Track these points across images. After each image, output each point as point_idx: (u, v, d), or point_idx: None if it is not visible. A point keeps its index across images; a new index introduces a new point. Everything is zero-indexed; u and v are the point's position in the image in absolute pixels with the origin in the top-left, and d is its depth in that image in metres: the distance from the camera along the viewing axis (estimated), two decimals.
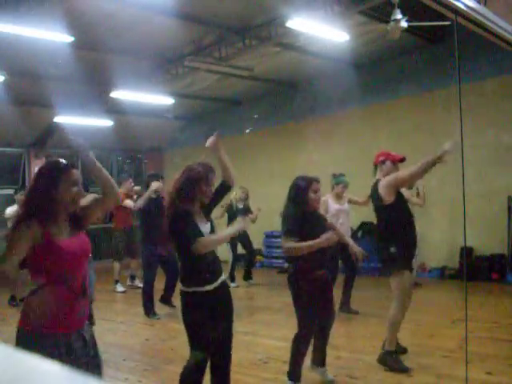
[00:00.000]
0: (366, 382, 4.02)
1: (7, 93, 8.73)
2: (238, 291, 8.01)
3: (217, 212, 7.03)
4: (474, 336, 4.61)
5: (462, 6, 2.87)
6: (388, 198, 4.19)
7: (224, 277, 3.20)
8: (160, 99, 10.05)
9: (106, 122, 10.97)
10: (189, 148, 13.10)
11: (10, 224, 7.43)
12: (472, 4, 2.95)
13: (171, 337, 5.63)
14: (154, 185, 6.56)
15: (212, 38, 7.95)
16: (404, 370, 4.12)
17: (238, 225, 3.21)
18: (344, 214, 6.44)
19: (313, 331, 3.81)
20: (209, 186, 3.24)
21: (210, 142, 3.47)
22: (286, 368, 4.27)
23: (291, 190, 3.90)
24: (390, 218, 4.25)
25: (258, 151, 11.50)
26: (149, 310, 6.63)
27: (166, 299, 6.80)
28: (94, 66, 8.48)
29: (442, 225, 8.46)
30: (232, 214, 8.16)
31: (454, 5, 2.83)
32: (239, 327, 5.56)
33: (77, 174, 2.37)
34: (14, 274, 2.16)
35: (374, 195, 4.33)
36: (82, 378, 0.57)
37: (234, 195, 8.41)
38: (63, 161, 2.39)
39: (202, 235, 3.03)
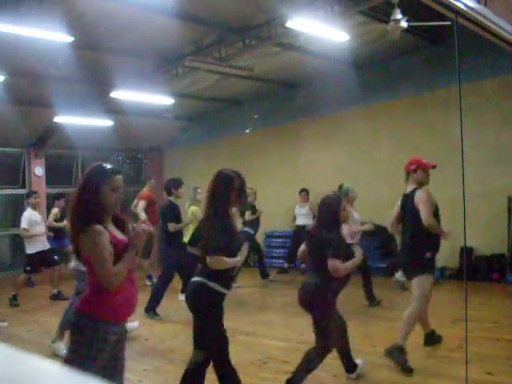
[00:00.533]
0: (366, 382, 4.02)
1: (7, 93, 8.73)
2: (238, 292, 8.01)
3: None
4: (473, 336, 4.61)
5: (462, 6, 2.87)
6: (427, 216, 4.41)
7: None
8: (160, 99, 10.05)
9: (106, 122, 10.96)
10: (189, 148, 13.13)
11: (23, 224, 7.54)
12: (472, 4, 2.95)
13: (171, 337, 5.63)
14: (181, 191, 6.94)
15: (212, 38, 7.95)
16: (407, 370, 4.14)
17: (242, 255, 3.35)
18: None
19: (331, 347, 3.89)
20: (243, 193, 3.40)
21: None
22: (286, 368, 4.28)
23: (324, 212, 3.98)
24: (426, 228, 4.44)
25: (258, 151, 11.50)
26: (151, 308, 6.64)
27: None
28: (94, 66, 8.48)
29: (442, 224, 8.45)
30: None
31: (454, 5, 2.83)
32: (239, 327, 5.58)
33: (120, 180, 2.53)
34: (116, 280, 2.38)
35: (408, 203, 4.52)
36: (82, 377, 0.57)
37: None
38: (107, 165, 2.57)
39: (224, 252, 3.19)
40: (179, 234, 6.86)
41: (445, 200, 8.17)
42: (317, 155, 10.51)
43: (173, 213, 6.78)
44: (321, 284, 3.72)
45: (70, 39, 6.68)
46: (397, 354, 4.25)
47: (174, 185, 6.91)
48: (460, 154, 3.29)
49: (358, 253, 3.82)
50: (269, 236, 11.10)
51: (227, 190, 3.27)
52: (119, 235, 2.51)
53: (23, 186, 11.72)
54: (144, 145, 13.48)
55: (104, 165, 2.55)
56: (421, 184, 4.57)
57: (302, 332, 5.47)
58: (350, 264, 3.70)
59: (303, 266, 9.94)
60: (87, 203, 2.41)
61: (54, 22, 6.19)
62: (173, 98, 10.14)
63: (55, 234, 8.35)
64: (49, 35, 6.45)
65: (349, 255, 3.73)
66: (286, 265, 9.91)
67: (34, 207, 7.86)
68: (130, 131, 11.83)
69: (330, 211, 3.87)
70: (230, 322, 6.00)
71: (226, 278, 3.29)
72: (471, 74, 7.79)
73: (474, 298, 6.05)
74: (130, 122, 11.41)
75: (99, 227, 2.37)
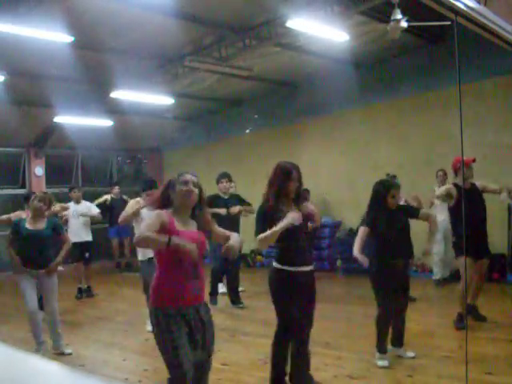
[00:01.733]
0: (366, 382, 4.02)
1: (7, 93, 8.73)
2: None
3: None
4: (473, 336, 4.62)
5: (462, 6, 2.86)
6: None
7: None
8: (160, 99, 10.05)
9: (106, 122, 10.96)
10: (189, 148, 13.13)
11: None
12: (472, 4, 2.95)
13: None
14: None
15: (212, 38, 7.95)
16: (460, 328, 4.94)
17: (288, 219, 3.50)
18: None
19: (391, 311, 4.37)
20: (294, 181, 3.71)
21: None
22: (287, 368, 4.27)
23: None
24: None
25: (257, 151, 11.49)
26: (213, 294, 7.00)
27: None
28: (94, 66, 8.48)
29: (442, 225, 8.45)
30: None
31: (454, 5, 2.83)
32: (239, 327, 5.58)
33: (189, 177, 2.91)
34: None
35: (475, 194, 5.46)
36: (82, 377, 0.57)
37: None
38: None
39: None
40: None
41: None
42: (317, 155, 10.51)
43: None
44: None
45: (70, 39, 6.69)
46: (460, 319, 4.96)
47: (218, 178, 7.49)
48: (460, 154, 3.29)
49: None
50: None
51: (286, 181, 3.68)
52: (187, 229, 2.86)
53: (23, 186, 11.72)
54: (144, 145, 13.48)
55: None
56: (465, 178, 5.34)
57: None
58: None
59: None
60: (164, 197, 2.97)
61: (54, 22, 6.19)
62: (173, 97, 10.14)
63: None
64: (49, 35, 6.45)
65: None
66: None
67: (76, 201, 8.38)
68: (130, 131, 11.84)
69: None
70: (230, 321, 6.01)
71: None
72: (471, 74, 7.79)
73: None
74: (130, 122, 11.41)
75: (159, 211, 2.86)
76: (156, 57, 8.67)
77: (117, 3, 6.40)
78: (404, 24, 5.51)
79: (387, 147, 9.46)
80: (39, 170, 11.80)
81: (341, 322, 5.93)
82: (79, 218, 8.17)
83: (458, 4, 2.83)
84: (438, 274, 7.96)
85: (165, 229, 2.75)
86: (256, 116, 11.47)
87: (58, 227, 5.15)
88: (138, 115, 11.14)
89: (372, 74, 9.62)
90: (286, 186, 3.65)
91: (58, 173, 12.32)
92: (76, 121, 10.52)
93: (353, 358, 4.57)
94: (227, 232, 3.09)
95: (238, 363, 4.51)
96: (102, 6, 6.45)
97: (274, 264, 3.67)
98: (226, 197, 7.38)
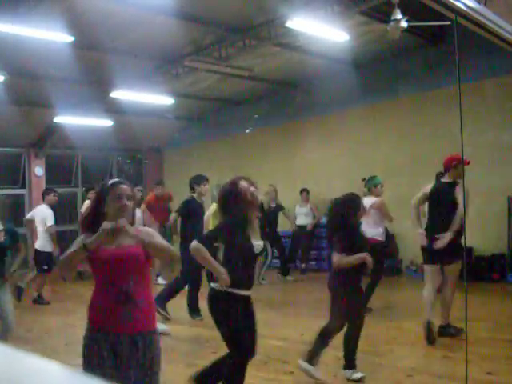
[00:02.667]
0: (366, 382, 4.02)
1: (7, 93, 8.73)
2: None
3: None
4: (474, 336, 4.61)
5: (462, 6, 2.86)
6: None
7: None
8: (160, 99, 10.05)
9: (106, 122, 10.97)
10: (189, 148, 13.12)
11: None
12: (472, 4, 2.95)
13: (171, 337, 5.63)
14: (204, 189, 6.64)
15: (212, 38, 7.95)
16: (431, 340, 4.69)
17: (222, 276, 3.19)
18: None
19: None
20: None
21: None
22: (286, 368, 4.28)
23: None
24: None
25: (257, 151, 11.50)
26: (192, 311, 6.41)
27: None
28: (94, 66, 8.48)
29: None
30: (264, 215, 8.01)
31: (454, 5, 2.83)
32: None
33: (122, 189, 2.56)
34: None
35: (449, 194, 4.90)
36: (81, 377, 0.57)
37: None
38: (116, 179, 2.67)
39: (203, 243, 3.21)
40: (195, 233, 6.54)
41: None
42: (317, 155, 10.51)
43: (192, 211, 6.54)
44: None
45: (70, 39, 6.68)
46: (448, 330, 4.80)
47: (196, 181, 6.73)
48: (460, 154, 3.29)
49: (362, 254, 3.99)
50: None
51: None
52: (116, 245, 2.49)
53: (23, 186, 11.72)
54: (144, 145, 13.48)
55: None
56: (456, 178, 4.92)
57: (302, 332, 5.46)
58: (350, 259, 3.97)
59: (303, 265, 9.96)
60: (92, 213, 2.64)
61: (54, 21, 6.19)
62: (173, 97, 10.14)
63: None
64: (49, 35, 6.45)
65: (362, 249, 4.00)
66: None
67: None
68: (130, 131, 11.83)
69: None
70: None
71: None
72: (471, 74, 7.79)
73: (473, 297, 6.04)
74: (130, 122, 11.41)
75: (82, 238, 2.54)
76: (156, 57, 8.67)
77: (117, 3, 6.40)
78: (404, 24, 5.51)
79: (387, 147, 9.46)
80: (39, 170, 11.80)
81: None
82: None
83: (458, 4, 2.83)
84: None
85: (93, 253, 2.46)
86: (256, 116, 11.47)
87: (15, 235, 4.93)
88: (137, 115, 11.14)
89: (372, 74, 9.62)
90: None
91: (58, 173, 12.33)
92: (76, 121, 10.52)
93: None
94: (165, 244, 2.64)
95: None
96: (102, 6, 6.45)
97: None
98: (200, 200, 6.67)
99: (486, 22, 3.10)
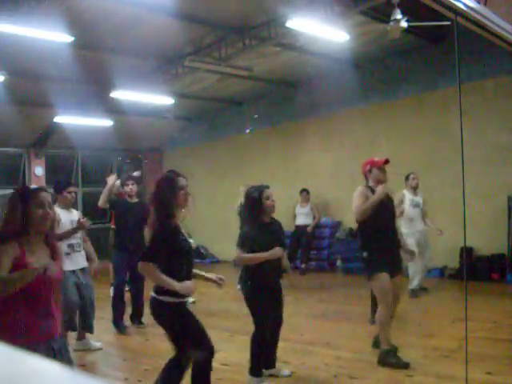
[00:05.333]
0: (366, 382, 4.02)
1: (7, 93, 8.73)
2: (238, 292, 8.00)
3: None
4: (473, 336, 4.61)
5: (462, 6, 2.86)
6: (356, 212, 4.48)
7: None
8: (160, 99, 10.05)
9: (106, 122, 10.96)
10: (189, 148, 13.13)
11: None
12: (472, 4, 2.95)
13: (165, 339, 5.62)
14: (110, 179, 6.13)
15: (212, 38, 7.94)
16: (404, 367, 4.16)
17: (185, 288, 3.13)
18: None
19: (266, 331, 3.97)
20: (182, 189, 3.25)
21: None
22: (286, 368, 4.28)
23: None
24: (363, 227, 4.51)
25: (257, 151, 11.50)
26: (116, 320, 6.00)
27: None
28: (94, 66, 8.47)
29: (442, 225, 8.45)
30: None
31: (454, 5, 2.83)
32: (239, 327, 5.57)
33: (44, 196, 2.46)
34: None
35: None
36: (82, 377, 0.57)
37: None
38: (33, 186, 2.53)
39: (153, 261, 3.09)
40: (126, 234, 6.02)
41: (445, 200, 8.20)
42: (317, 155, 10.51)
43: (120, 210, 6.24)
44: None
45: (70, 39, 6.68)
46: (389, 357, 4.26)
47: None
48: (460, 154, 3.29)
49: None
50: None
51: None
52: (40, 259, 2.42)
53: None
54: (144, 145, 13.48)
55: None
56: (378, 182, 4.50)
57: (302, 332, 5.47)
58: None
59: (303, 266, 9.96)
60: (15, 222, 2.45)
61: (54, 21, 6.19)
62: (173, 98, 10.14)
63: None
64: (49, 35, 6.45)
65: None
66: None
67: None
68: (130, 131, 11.83)
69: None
70: (230, 322, 6.01)
71: None
72: (471, 74, 7.79)
73: (473, 298, 6.04)
74: (130, 122, 11.41)
75: (5, 246, 2.36)
76: (156, 57, 8.67)
77: (117, 3, 6.40)
78: (404, 24, 5.51)
79: (387, 147, 9.45)
80: (39, 170, 11.80)
81: (341, 322, 5.93)
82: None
83: (458, 4, 2.83)
84: (412, 282, 7.12)
85: (17, 264, 2.32)
86: (256, 116, 11.47)
87: None
88: (138, 115, 11.14)
89: (372, 74, 9.62)
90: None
91: (58, 173, 12.32)
92: (76, 121, 10.52)
93: (353, 358, 4.57)
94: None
95: (238, 363, 4.51)
96: (102, 6, 6.45)
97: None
98: (132, 201, 6.18)
99: (486, 22, 3.10)
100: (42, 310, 2.40)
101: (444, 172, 8.29)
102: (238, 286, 8.12)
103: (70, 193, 4.98)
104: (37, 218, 2.40)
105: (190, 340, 3.24)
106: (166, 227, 3.14)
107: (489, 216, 8.14)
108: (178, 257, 3.14)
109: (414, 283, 7.09)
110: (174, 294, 3.09)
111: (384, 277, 4.31)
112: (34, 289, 2.36)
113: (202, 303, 6.61)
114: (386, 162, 4.57)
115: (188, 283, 3.11)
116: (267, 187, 3.97)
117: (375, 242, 4.41)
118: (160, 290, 3.14)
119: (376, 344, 4.59)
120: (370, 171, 4.57)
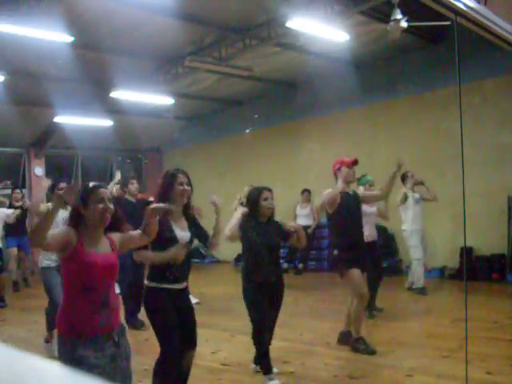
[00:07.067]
0: (366, 382, 4.02)
1: (7, 93, 8.74)
2: (238, 291, 8.00)
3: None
4: (473, 336, 4.61)
5: (462, 6, 2.86)
6: (329, 209, 4.69)
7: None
8: (160, 99, 10.05)
9: (106, 122, 10.97)
10: (189, 148, 13.13)
11: None
12: (472, 4, 2.95)
13: None
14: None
15: (212, 38, 7.95)
16: (371, 353, 4.50)
17: (173, 251, 3.15)
18: (372, 215, 6.32)
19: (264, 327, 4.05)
20: (181, 185, 3.30)
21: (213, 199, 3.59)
22: (286, 368, 4.28)
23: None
24: (332, 225, 4.82)
25: (257, 151, 11.50)
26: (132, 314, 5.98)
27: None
28: (94, 66, 8.48)
29: (442, 224, 8.46)
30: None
31: (454, 5, 2.83)
32: (239, 327, 5.57)
33: (104, 192, 2.57)
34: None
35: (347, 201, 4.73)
36: (81, 377, 0.57)
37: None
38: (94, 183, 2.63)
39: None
40: None
41: (445, 200, 8.20)
42: (317, 155, 10.50)
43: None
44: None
45: (70, 39, 6.69)
46: (359, 344, 4.60)
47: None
48: (460, 154, 3.29)
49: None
50: None
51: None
52: (98, 252, 2.51)
53: (23, 186, 11.72)
54: (144, 145, 13.48)
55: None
56: (347, 182, 4.71)
57: (301, 332, 5.47)
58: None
59: (301, 265, 9.95)
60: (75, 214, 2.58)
61: (54, 21, 6.19)
62: (173, 98, 10.14)
63: None
64: (49, 35, 6.45)
65: None
66: (285, 265, 9.88)
67: None
68: (130, 131, 11.84)
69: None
70: (230, 321, 6.01)
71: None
72: (471, 74, 7.79)
73: (473, 297, 6.05)
74: (130, 122, 11.41)
75: (68, 227, 2.52)
76: (156, 57, 8.68)
77: (117, 3, 6.40)
78: (404, 24, 5.51)
79: (387, 147, 9.46)
80: (39, 170, 11.81)
81: (341, 322, 5.92)
82: None
83: (458, 4, 2.83)
84: (421, 281, 7.15)
85: (70, 249, 2.43)
86: (256, 116, 11.47)
87: None
88: (138, 115, 11.14)
89: (372, 73, 9.62)
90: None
91: (58, 173, 12.33)
92: (76, 121, 10.52)
93: (353, 358, 4.57)
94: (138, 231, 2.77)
95: (238, 363, 4.51)
96: (102, 6, 6.46)
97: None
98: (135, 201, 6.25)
99: (486, 22, 3.10)
100: (101, 302, 2.46)
101: (444, 172, 8.29)
102: None
103: (60, 190, 4.97)
104: (95, 211, 2.50)
105: (157, 333, 3.23)
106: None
107: (489, 216, 8.14)
108: (162, 247, 3.14)
109: (421, 281, 7.15)
110: (157, 279, 3.17)
111: (356, 272, 4.57)
112: (92, 281, 2.44)
113: (203, 303, 6.61)
114: (355, 162, 4.73)
115: (171, 250, 3.12)
116: (268, 189, 4.02)
117: (344, 239, 4.65)
118: (148, 276, 3.25)
119: (341, 339, 4.89)
120: (339, 170, 4.74)
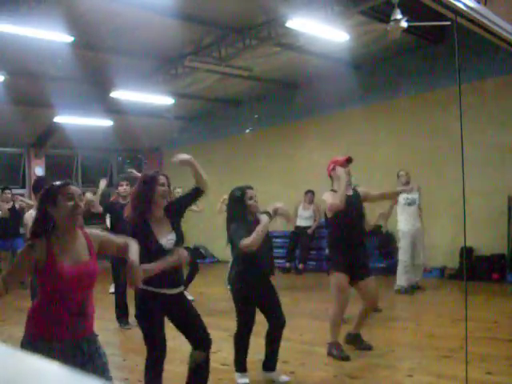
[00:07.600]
0: (366, 382, 4.02)
1: (7, 93, 8.74)
2: None
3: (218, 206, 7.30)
4: (473, 336, 4.61)
5: (462, 6, 2.86)
6: (328, 213, 4.68)
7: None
8: (160, 99, 10.05)
9: (106, 122, 10.97)
10: (189, 148, 13.09)
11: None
12: (472, 4, 2.95)
13: (171, 337, 5.61)
14: (102, 184, 6.23)
15: (212, 38, 7.95)
16: (345, 359, 4.38)
17: (171, 259, 3.07)
18: None
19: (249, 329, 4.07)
20: (162, 186, 3.25)
21: (179, 158, 3.50)
22: (286, 368, 4.28)
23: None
24: (331, 225, 4.78)
25: (257, 151, 11.50)
26: (120, 318, 6.07)
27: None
28: (94, 66, 8.48)
29: (442, 224, 8.46)
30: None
31: (454, 5, 2.83)
32: None
33: (74, 190, 2.34)
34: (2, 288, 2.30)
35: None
36: (81, 377, 0.57)
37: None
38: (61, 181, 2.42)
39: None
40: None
41: (445, 200, 8.20)
42: (317, 155, 10.49)
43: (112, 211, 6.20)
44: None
45: (70, 39, 6.69)
46: (333, 349, 4.50)
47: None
48: (460, 154, 3.29)
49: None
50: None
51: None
52: (75, 255, 2.35)
53: (23, 186, 11.72)
54: (144, 145, 13.48)
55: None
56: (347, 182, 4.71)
57: (301, 332, 5.47)
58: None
59: (300, 265, 9.94)
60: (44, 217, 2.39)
61: (54, 22, 6.19)
62: (173, 98, 10.14)
63: None
64: (49, 35, 6.45)
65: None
66: (287, 264, 9.87)
67: None
68: (130, 131, 11.84)
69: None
70: (230, 322, 6.00)
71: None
72: (471, 74, 7.79)
73: (473, 297, 6.04)
74: (130, 122, 11.41)
75: (29, 245, 2.30)
76: (156, 57, 8.68)
77: (117, 3, 6.40)
78: (404, 24, 5.52)
79: (387, 147, 9.45)
80: (39, 170, 11.80)
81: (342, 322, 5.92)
82: None
83: (458, 4, 2.83)
84: (401, 281, 7.25)
85: (41, 264, 2.24)
86: (256, 116, 11.47)
87: None
88: (138, 115, 11.14)
89: (372, 74, 9.62)
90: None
91: (58, 173, 12.32)
92: (76, 121, 10.52)
93: (353, 358, 4.56)
94: (124, 240, 2.58)
95: None
96: (102, 6, 6.46)
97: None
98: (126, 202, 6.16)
99: (486, 22, 3.10)
100: (76, 311, 2.34)
101: (444, 172, 8.28)
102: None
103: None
104: (65, 210, 2.29)
105: (144, 336, 3.27)
106: (132, 223, 3.20)
107: (489, 216, 8.14)
108: (150, 259, 2.97)
109: (401, 281, 7.20)
110: (154, 284, 3.11)
111: (340, 276, 4.54)
112: (67, 292, 2.31)
113: (202, 303, 6.61)
114: (348, 160, 4.73)
115: (151, 264, 2.95)
116: (250, 187, 4.06)
117: (339, 241, 4.63)
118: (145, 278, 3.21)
119: (349, 340, 4.80)
120: (333, 170, 4.77)
